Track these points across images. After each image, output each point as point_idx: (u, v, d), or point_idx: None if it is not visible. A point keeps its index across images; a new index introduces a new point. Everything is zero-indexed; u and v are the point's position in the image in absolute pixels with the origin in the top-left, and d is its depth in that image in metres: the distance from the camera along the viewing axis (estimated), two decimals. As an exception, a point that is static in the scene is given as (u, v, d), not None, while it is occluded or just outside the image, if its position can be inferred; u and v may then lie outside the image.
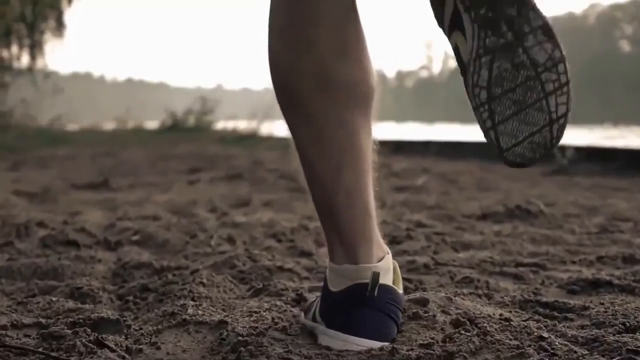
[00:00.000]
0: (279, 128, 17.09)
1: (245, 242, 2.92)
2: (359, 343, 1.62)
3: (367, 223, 1.75)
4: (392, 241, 2.88)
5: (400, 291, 1.74)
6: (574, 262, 2.59)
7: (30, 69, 25.02)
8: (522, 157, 1.57)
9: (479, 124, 1.57)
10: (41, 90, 21.78)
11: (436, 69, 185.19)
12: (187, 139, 15.33)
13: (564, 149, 8.31)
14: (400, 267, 1.84)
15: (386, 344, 1.62)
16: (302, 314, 1.86)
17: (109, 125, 21.41)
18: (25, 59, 25.32)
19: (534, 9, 1.53)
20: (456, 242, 2.85)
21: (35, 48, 25.39)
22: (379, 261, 1.70)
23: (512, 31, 1.52)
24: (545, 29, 1.53)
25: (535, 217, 3.61)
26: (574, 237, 3.13)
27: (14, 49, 25.32)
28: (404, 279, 1.96)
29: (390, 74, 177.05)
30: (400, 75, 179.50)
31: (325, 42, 1.64)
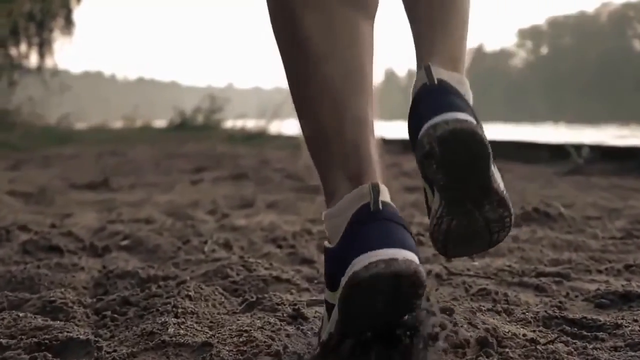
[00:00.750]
0: (287, 127, 16.91)
1: (243, 247, 2.70)
2: (383, 253, 1.37)
3: (376, 149, 1.67)
4: (401, 247, 2.68)
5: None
6: (600, 272, 2.36)
7: (39, 68, 24.93)
8: (459, 253, 1.73)
9: (433, 243, 1.68)
10: (50, 89, 21.67)
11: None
12: (195, 137, 15.14)
13: (579, 147, 8.09)
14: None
15: (411, 254, 1.40)
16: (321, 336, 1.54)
17: (118, 124, 21.24)
18: (34, 58, 25.28)
19: (496, 189, 1.62)
20: None
21: (44, 46, 25.29)
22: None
23: (473, 205, 1.59)
24: (500, 202, 1.63)
25: (555, 220, 3.37)
26: (598, 242, 2.89)
27: (23, 47, 25.28)
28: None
29: (402, 72, 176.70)
30: (412, 75, 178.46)
31: None
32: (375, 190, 1.52)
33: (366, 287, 1.36)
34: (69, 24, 25.89)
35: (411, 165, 7.84)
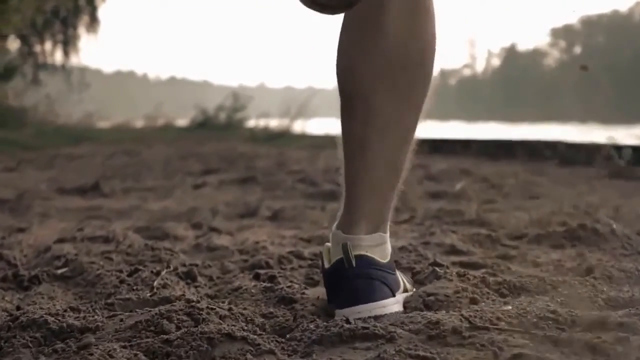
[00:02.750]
0: (312, 126, 16.37)
1: (211, 278, 2.11)
2: (352, 311, 1.72)
3: (389, 206, 1.89)
4: (413, 278, 2.07)
5: (384, 261, 1.84)
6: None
7: (63, 66, 24.58)
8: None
9: None
10: (72, 87, 21.30)
11: (479, 67, 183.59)
12: (216, 137, 14.62)
13: (619, 148, 7.49)
14: (419, 331, 1.56)
15: (381, 302, 1.74)
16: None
17: (140, 123, 20.79)
18: (58, 55, 24.92)
19: None
20: (502, 283, 1.99)
21: (69, 44, 24.94)
22: (368, 235, 1.82)
23: None
24: None
25: (606, 239, 2.73)
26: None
27: (48, 45, 24.92)
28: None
29: (434, 72, 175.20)
30: (444, 74, 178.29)
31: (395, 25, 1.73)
32: (345, 249, 1.78)
33: None
34: (94, 22, 25.53)
35: (438, 168, 7.24)
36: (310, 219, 3.93)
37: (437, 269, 2.01)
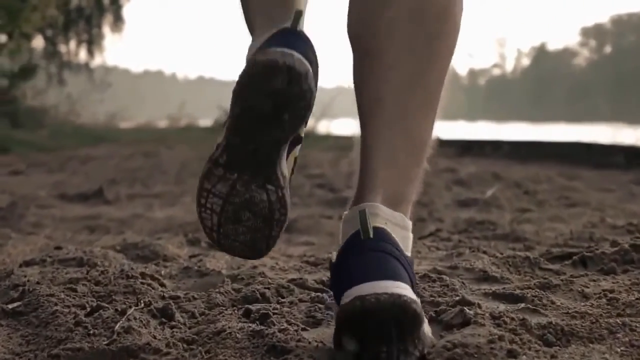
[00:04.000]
0: (337, 126, 15.97)
1: (191, 315, 1.73)
2: (367, 288, 1.37)
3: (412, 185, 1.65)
4: (433, 320, 1.68)
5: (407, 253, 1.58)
6: None
7: (87, 65, 24.42)
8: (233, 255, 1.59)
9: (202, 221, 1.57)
10: (96, 87, 21.11)
11: (509, 66, 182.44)
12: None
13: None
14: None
15: (396, 282, 1.40)
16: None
17: (163, 123, 20.52)
18: (83, 55, 24.76)
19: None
20: (546, 327, 1.59)
21: (94, 44, 24.79)
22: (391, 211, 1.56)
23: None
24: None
25: (663, 262, 2.36)
26: None
27: (72, 44, 24.74)
28: None
29: (463, 71, 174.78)
30: (473, 73, 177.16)
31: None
32: (362, 218, 1.51)
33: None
34: (118, 21, 25.34)
35: (467, 171, 6.85)
36: (325, 229, 3.58)
37: (466, 309, 1.63)
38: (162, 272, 2.20)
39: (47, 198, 4.79)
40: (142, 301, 1.73)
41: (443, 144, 10.76)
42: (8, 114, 13.31)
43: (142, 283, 1.91)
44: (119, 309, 1.66)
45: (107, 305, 1.68)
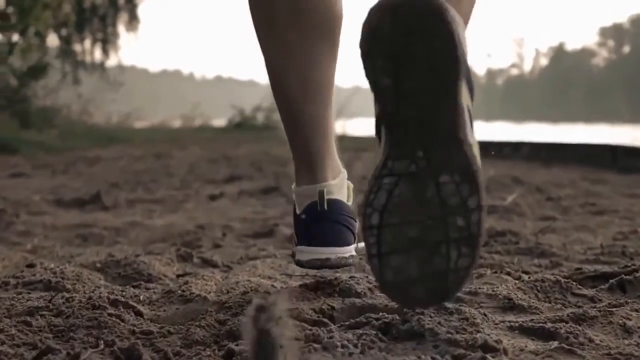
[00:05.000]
0: (353, 127, 15.71)
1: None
2: (322, 251, 1.86)
3: (327, 146, 1.91)
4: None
5: (350, 203, 1.94)
6: None
7: (102, 64, 24.27)
8: (403, 295, 1.44)
9: (365, 246, 1.45)
10: (108, 86, 20.94)
11: (527, 67, 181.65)
12: (253, 138, 14.03)
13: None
14: None
15: (346, 248, 1.89)
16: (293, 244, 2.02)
17: (177, 123, 20.32)
18: (98, 54, 24.61)
19: (463, 142, 1.38)
20: None
21: (108, 43, 24.65)
22: (334, 179, 1.90)
23: (426, 161, 1.37)
24: (467, 170, 1.38)
25: None
26: None
27: (87, 43, 24.59)
28: None
29: (480, 71, 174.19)
30: (491, 73, 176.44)
31: None
32: (321, 196, 1.87)
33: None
34: (133, 20, 25.18)
35: (486, 174, 6.56)
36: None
37: (489, 357, 1.35)
38: (141, 297, 1.93)
39: (41, 203, 4.53)
40: (102, 341, 1.45)
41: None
42: (18, 114, 13.08)
43: (110, 315, 1.63)
44: (72, 353, 1.38)
45: (58, 347, 1.41)
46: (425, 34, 1.35)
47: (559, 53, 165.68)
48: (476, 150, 1.45)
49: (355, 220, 1.92)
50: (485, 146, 6.74)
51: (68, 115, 16.14)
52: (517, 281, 2.08)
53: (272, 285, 2.07)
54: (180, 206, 4.62)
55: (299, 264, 1.90)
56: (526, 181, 5.99)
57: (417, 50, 1.35)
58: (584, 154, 8.50)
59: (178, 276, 2.31)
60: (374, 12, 1.39)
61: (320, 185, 1.88)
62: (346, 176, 1.97)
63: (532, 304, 1.87)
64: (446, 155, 1.39)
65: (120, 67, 25.77)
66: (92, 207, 4.52)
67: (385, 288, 1.47)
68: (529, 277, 2.08)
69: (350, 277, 2.02)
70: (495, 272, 2.18)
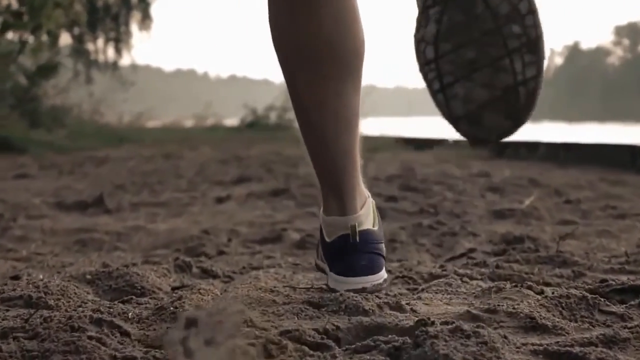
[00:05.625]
0: (369, 126, 15.51)
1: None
2: (357, 281, 1.91)
3: (357, 180, 1.93)
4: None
5: (376, 227, 1.97)
6: None
7: (115, 63, 24.18)
8: (480, 126, 1.36)
9: (426, 86, 1.44)
10: (120, 86, 20.84)
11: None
12: (265, 138, 13.87)
13: None
14: None
15: (379, 274, 1.96)
16: (315, 255, 2.14)
17: (189, 123, 20.17)
18: (111, 53, 24.53)
19: None
20: None
21: (121, 42, 24.56)
22: (362, 208, 1.93)
23: None
24: None
25: None
26: None
27: (100, 42, 24.50)
28: None
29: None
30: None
31: (326, 16, 1.70)
32: (353, 230, 1.91)
33: None
34: (146, 19, 25.07)
35: (502, 176, 6.38)
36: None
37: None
38: (130, 314, 1.77)
39: (42, 206, 4.39)
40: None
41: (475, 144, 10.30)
42: (27, 114, 12.95)
43: (90, 338, 1.47)
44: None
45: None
46: None
47: (573, 52, 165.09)
48: None
49: (383, 243, 1.99)
50: (501, 146, 6.55)
51: (79, 115, 16.00)
52: (539, 296, 1.91)
53: (274, 301, 1.91)
54: (186, 209, 4.47)
55: (334, 292, 1.90)
56: (543, 183, 5.81)
57: None
58: (601, 154, 8.29)
59: (173, 289, 2.15)
60: None
61: (352, 219, 1.91)
62: (371, 199, 1.99)
63: (556, 323, 1.70)
64: None
65: (133, 67, 25.70)
66: (95, 210, 4.37)
67: (457, 123, 1.46)
68: (553, 293, 1.91)
69: (360, 293, 1.87)
70: (516, 286, 2.01)
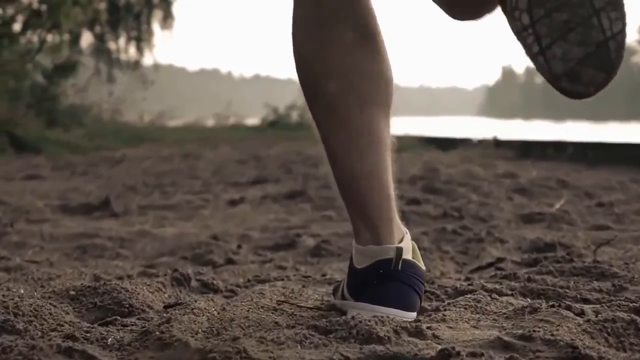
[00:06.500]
0: (394, 126, 15.23)
1: None
2: (387, 312, 1.70)
3: (387, 205, 1.80)
4: None
5: (422, 266, 1.81)
6: None
7: (137, 62, 24.07)
8: (579, 81, 1.48)
9: (525, 50, 1.48)
10: (141, 85, 20.71)
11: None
12: (287, 137, 13.65)
13: None
14: None
15: (412, 314, 1.74)
16: (332, 296, 1.95)
17: (211, 122, 19.99)
18: (132, 52, 24.41)
19: None
20: None
21: (143, 41, 24.44)
22: (400, 242, 1.79)
23: None
24: None
25: None
26: None
27: (122, 41, 24.37)
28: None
29: (520, 69, 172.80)
30: (530, 72, 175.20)
31: (347, 31, 1.73)
32: (399, 254, 1.75)
33: None
34: (168, 17, 24.91)
35: (529, 177, 6.13)
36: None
37: None
38: (109, 340, 1.54)
39: (45, 210, 4.17)
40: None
41: (501, 144, 10.02)
42: (45, 113, 12.78)
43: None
44: None
45: None
46: None
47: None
48: None
49: (424, 284, 1.83)
50: (528, 146, 6.28)
51: (99, 114, 15.83)
52: (580, 319, 1.66)
53: (276, 323, 1.68)
54: (197, 213, 4.25)
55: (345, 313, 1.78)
56: (572, 184, 5.55)
57: None
58: (631, 154, 8.00)
59: (166, 307, 1.91)
60: None
61: (391, 248, 1.77)
62: (409, 237, 1.84)
63: (603, 354, 1.45)
64: None
65: (156, 66, 25.56)
66: (100, 214, 4.15)
67: (559, 80, 1.49)
68: (597, 315, 1.66)
69: (373, 316, 1.63)
70: (552, 306, 1.76)
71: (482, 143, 10.15)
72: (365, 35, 1.75)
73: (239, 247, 3.24)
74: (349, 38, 1.74)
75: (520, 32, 1.48)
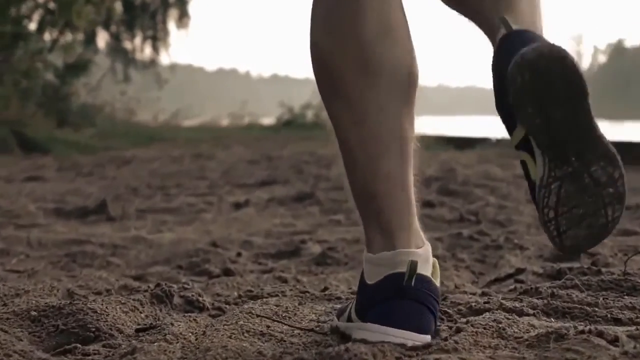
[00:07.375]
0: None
1: None
2: (397, 335, 1.57)
3: (406, 210, 1.70)
4: None
5: (438, 284, 1.68)
6: None
7: (153, 62, 23.95)
8: (579, 250, 1.67)
9: (546, 232, 1.62)
10: (155, 84, 20.60)
11: (585, 64, 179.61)
12: (302, 137, 13.45)
13: None
14: None
15: (426, 337, 1.59)
16: (335, 318, 1.78)
17: (226, 122, 19.83)
18: (148, 51, 24.29)
19: (600, 137, 1.59)
20: None
21: (158, 40, 24.32)
22: (418, 249, 1.66)
23: (579, 161, 1.59)
24: (608, 154, 1.59)
25: None
26: None
27: (137, 40, 24.24)
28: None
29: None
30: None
31: (369, 25, 1.66)
32: (413, 268, 1.61)
33: None
34: (184, 17, 24.77)
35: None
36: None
37: None
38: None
39: (37, 214, 3.96)
40: None
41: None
42: (55, 112, 12.60)
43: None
44: None
45: None
46: (563, 81, 1.54)
47: (617, 50, 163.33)
48: (608, 141, 1.63)
49: (439, 303, 1.68)
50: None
51: (112, 114, 15.66)
52: (615, 350, 1.42)
53: (259, 353, 1.44)
54: (198, 217, 4.03)
55: (345, 340, 1.62)
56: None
57: (559, 94, 1.54)
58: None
59: (137, 331, 1.68)
60: (518, 69, 1.53)
61: (406, 253, 1.63)
62: (430, 250, 1.71)
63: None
64: (592, 152, 1.57)
65: (172, 65, 25.43)
66: (96, 217, 3.94)
67: (565, 250, 1.62)
68: (635, 347, 1.42)
69: (373, 345, 1.39)
70: (582, 332, 1.51)
71: (500, 143, 9.92)
72: (388, 29, 1.67)
73: (239, 254, 3.02)
74: (371, 32, 1.65)
75: (545, 222, 1.59)
